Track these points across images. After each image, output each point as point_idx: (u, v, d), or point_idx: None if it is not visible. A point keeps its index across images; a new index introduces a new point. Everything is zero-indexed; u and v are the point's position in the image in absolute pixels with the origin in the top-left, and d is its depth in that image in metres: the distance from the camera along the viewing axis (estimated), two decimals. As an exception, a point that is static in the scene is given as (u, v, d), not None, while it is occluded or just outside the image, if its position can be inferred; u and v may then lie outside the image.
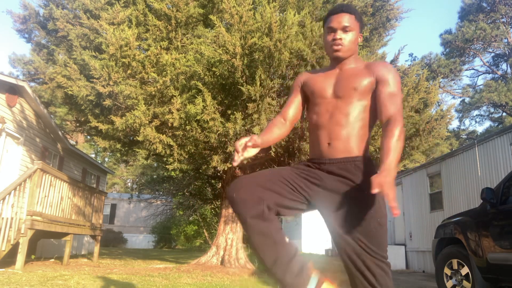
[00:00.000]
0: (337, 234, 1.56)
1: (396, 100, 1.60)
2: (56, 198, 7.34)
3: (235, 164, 1.57)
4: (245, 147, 1.58)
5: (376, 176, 1.37)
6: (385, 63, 1.70)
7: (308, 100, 1.78)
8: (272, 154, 6.78)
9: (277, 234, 1.49)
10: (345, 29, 1.67)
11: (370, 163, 1.62)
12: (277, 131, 1.76)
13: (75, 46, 6.62)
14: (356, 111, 1.62)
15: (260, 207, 1.48)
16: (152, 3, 6.37)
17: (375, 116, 1.66)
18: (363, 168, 1.58)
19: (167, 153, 6.57)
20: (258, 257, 1.51)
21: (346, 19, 1.67)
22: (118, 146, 7.75)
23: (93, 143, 22.31)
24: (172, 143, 6.45)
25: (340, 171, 1.58)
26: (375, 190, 1.32)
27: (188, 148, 6.62)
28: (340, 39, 1.67)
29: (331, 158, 1.61)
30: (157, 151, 6.58)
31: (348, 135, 1.60)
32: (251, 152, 1.61)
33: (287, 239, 1.51)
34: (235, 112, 6.19)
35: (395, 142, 1.47)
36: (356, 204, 1.53)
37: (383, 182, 1.33)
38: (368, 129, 1.65)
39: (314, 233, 19.85)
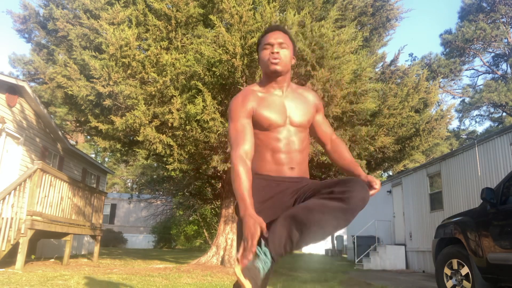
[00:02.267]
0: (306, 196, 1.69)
1: (328, 124, 1.94)
2: (56, 198, 7.34)
3: (244, 264, 1.43)
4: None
5: (364, 176, 1.71)
6: (313, 91, 1.91)
7: (255, 124, 1.74)
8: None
9: None
10: (281, 45, 1.73)
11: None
12: (248, 181, 1.62)
13: (75, 46, 6.62)
14: (306, 139, 1.82)
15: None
16: (152, 3, 6.38)
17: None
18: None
19: (167, 153, 6.57)
20: None
21: (281, 36, 1.75)
22: (118, 146, 7.75)
23: (93, 143, 22.32)
24: (172, 143, 6.45)
25: (293, 185, 1.75)
26: (377, 186, 1.64)
27: (188, 148, 6.62)
28: (278, 52, 1.72)
29: (291, 177, 1.74)
30: (157, 151, 6.58)
31: (303, 160, 1.79)
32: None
33: None
34: (235, 112, 6.18)
35: (352, 158, 1.84)
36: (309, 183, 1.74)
37: (373, 179, 1.66)
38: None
39: (314, 233, 19.75)
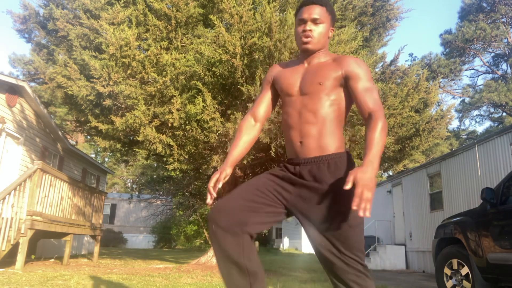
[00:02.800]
0: (312, 238, 1.55)
1: (372, 94, 1.55)
2: (56, 198, 7.34)
3: (209, 203, 1.60)
4: (216, 185, 1.62)
5: (354, 171, 1.33)
6: (355, 57, 1.64)
7: (279, 96, 1.78)
8: (272, 154, 6.78)
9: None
10: (315, 21, 1.62)
11: (345, 159, 1.57)
12: (246, 140, 1.74)
13: (75, 46, 6.62)
14: (325, 107, 1.57)
15: (240, 238, 1.50)
16: (152, 3, 6.37)
17: (347, 112, 1.64)
18: (338, 166, 1.54)
19: (167, 153, 6.57)
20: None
21: (316, 11, 1.63)
22: (118, 146, 7.75)
23: (93, 143, 22.31)
24: (172, 143, 6.45)
25: (312, 174, 1.55)
26: (347, 186, 1.29)
27: (188, 148, 6.62)
28: (310, 30, 1.62)
29: (304, 158, 1.57)
30: (157, 151, 6.58)
31: (319, 132, 1.56)
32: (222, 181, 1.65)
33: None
34: (235, 112, 6.19)
35: (378, 135, 1.43)
36: (327, 205, 1.49)
37: (360, 178, 1.29)
38: (340, 124, 1.61)
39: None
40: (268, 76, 1.79)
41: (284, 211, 1.60)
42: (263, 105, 1.79)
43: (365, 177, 1.30)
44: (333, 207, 1.48)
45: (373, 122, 1.47)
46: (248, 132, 1.76)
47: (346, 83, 1.58)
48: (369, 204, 1.27)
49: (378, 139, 1.42)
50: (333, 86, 1.58)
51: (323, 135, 1.56)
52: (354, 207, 1.27)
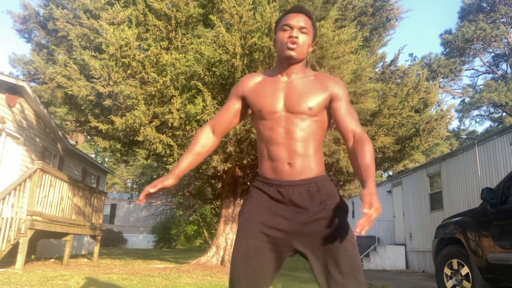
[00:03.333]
0: (314, 264, 1.46)
1: (355, 116, 1.56)
2: (56, 198, 7.35)
3: (138, 203, 1.56)
4: (151, 192, 1.53)
5: (369, 195, 1.30)
6: (336, 78, 1.62)
7: (252, 112, 1.65)
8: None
9: None
10: (301, 29, 1.56)
11: (329, 181, 1.56)
12: (199, 151, 1.65)
13: (75, 46, 6.62)
14: (311, 128, 1.53)
15: None
16: (152, 3, 6.38)
17: (325, 132, 1.62)
18: (325, 189, 1.51)
19: (167, 153, 6.57)
20: None
21: (304, 20, 1.57)
22: (118, 146, 7.75)
23: (93, 143, 22.31)
24: (172, 143, 6.45)
25: (302, 199, 1.48)
26: (366, 210, 1.26)
27: (188, 148, 6.61)
28: (297, 37, 1.54)
29: (291, 180, 1.50)
30: (157, 151, 6.58)
31: (307, 153, 1.51)
32: (165, 187, 1.56)
33: None
34: (235, 112, 6.18)
35: (371, 161, 1.41)
36: (326, 228, 1.44)
37: (374, 201, 1.28)
38: (321, 145, 1.59)
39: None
40: (239, 89, 1.65)
41: (288, 253, 1.53)
42: (227, 118, 1.67)
43: (377, 201, 1.29)
44: (330, 229, 1.43)
45: (364, 147, 1.45)
46: (203, 144, 1.66)
47: (329, 105, 1.56)
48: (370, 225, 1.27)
49: (372, 165, 1.42)
50: (321, 108, 1.55)
51: (311, 157, 1.52)
52: (359, 226, 1.24)
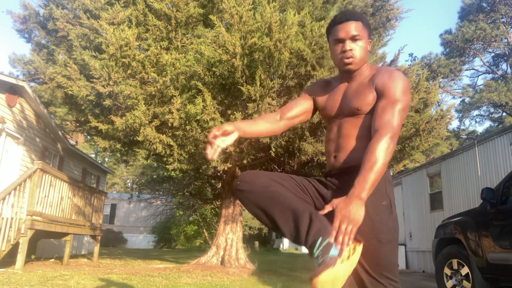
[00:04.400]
0: None
1: (390, 109, 1.47)
2: (56, 198, 7.34)
3: (209, 157, 1.47)
4: (216, 136, 1.46)
5: (338, 199, 1.31)
6: (389, 69, 1.58)
7: (314, 112, 1.80)
8: (272, 154, 6.78)
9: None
10: (354, 38, 1.54)
11: None
12: (263, 125, 1.65)
13: (75, 46, 6.62)
14: (361, 125, 1.55)
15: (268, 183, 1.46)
16: (152, 3, 6.37)
17: None
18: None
19: (167, 153, 6.57)
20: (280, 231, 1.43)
21: (353, 28, 1.54)
22: (118, 146, 7.75)
23: (93, 143, 22.30)
24: (172, 143, 6.45)
25: (342, 183, 1.50)
26: (324, 211, 1.32)
27: (188, 148, 6.62)
28: (351, 50, 1.54)
29: (336, 169, 1.57)
30: (157, 151, 6.58)
31: (353, 147, 1.54)
32: (228, 141, 1.49)
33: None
34: (235, 112, 6.19)
35: (376, 156, 1.35)
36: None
37: (340, 208, 1.26)
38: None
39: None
40: (310, 89, 1.78)
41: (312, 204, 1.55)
42: (296, 109, 1.73)
43: (346, 209, 1.25)
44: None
45: (374, 141, 1.39)
46: (270, 121, 1.68)
47: (377, 98, 1.55)
48: (347, 238, 1.22)
49: (374, 161, 1.34)
50: (370, 106, 1.54)
51: (355, 150, 1.53)
52: (331, 239, 1.23)
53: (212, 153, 1.46)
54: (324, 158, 7.16)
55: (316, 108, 1.77)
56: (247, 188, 1.45)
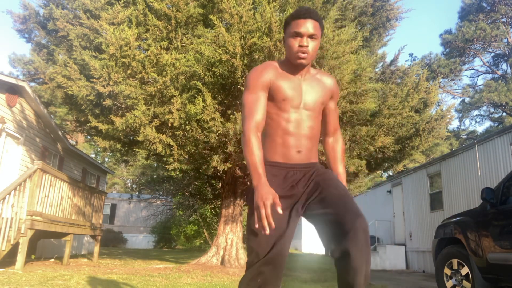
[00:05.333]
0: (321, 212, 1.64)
1: (337, 118, 1.94)
2: (56, 198, 7.34)
3: (267, 232, 1.45)
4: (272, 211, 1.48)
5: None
6: (333, 76, 1.82)
7: (269, 99, 1.72)
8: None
9: None
10: (312, 37, 1.64)
11: (322, 166, 1.85)
12: (260, 151, 1.64)
13: (75, 46, 6.62)
14: (318, 124, 1.78)
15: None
16: (152, 3, 6.37)
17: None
18: (319, 166, 1.82)
19: (167, 153, 6.57)
20: None
21: (314, 26, 1.64)
22: (118, 146, 7.75)
23: (93, 143, 22.31)
24: (172, 143, 6.45)
25: (304, 175, 1.74)
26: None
27: (188, 148, 6.62)
28: (307, 46, 1.64)
29: (299, 163, 1.73)
30: (157, 151, 6.58)
31: (312, 145, 1.76)
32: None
33: None
34: (235, 112, 6.19)
35: (343, 153, 1.93)
36: (323, 180, 1.72)
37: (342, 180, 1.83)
38: (318, 137, 1.85)
39: (314, 233, 19.80)
40: (266, 78, 1.70)
41: (296, 217, 1.70)
42: (263, 112, 1.69)
43: (342, 180, 1.86)
44: (325, 176, 1.74)
45: (340, 138, 1.93)
46: (261, 149, 1.64)
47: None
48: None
49: (341, 157, 1.93)
50: (325, 105, 1.83)
51: (313, 148, 1.78)
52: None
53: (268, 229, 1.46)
54: (324, 158, 7.17)
55: (268, 96, 1.73)
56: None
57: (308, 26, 1.63)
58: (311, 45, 1.65)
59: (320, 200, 1.63)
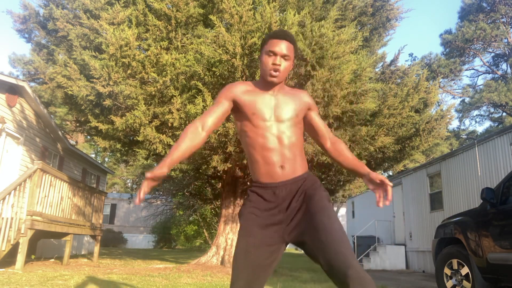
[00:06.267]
0: (309, 243, 1.63)
1: (324, 124, 1.94)
2: (56, 198, 7.34)
3: (137, 203, 1.60)
4: (146, 189, 1.59)
5: (374, 173, 1.74)
6: (306, 91, 1.88)
7: (241, 117, 1.80)
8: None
9: None
10: (284, 57, 1.74)
11: (311, 175, 1.82)
12: (189, 144, 1.72)
13: (75, 46, 6.62)
14: (297, 134, 1.78)
15: None
16: (152, 3, 6.37)
17: (303, 136, 1.88)
18: (308, 180, 1.77)
19: (167, 153, 6.57)
20: None
21: (287, 47, 1.74)
22: (118, 146, 7.75)
23: (93, 143, 22.31)
24: (172, 143, 6.45)
25: (290, 192, 1.72)
26: (388, 182, 1.66)
27: (188, 148, 6.61)
28: (279, 64, 1.73)
29: (283, 181, 1.72)
30: (157, 151, 6.58)
31: (295, 156, 1.75)
32: (157, 182, 1.64)
33: None
34: (235, 112, 6.17)
35: (354, 156, 1.86)
36: (308, 207, 1.67)
37: (378, 176, 1.70)
38: (302, 147, 1.84)
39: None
40: (229, 92, 1.80)
41: (283, 244, 1.71)
42: (215, 117, 1.78)
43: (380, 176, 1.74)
44: (314, 205, 1.67)
45: (343, 145, 1.90)
46: (193, 138, 1.73)
47: (305, 115, 1.87)
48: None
49: (353, 155, 1.88)
50: (301, 117, 1.84)
51: (296, 159, 1.76)
52: (388, 197, 1.65)
53: (142, 198, 1.58)
54: (324, 158, 7.17)
55: (231, 110, 1.82)
56: None
57: (282, 46, 1.73)
58: (283, 65, 1.74)
59: (310, 229, 1.62)
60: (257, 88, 1.81)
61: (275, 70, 1.72)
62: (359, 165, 1.81)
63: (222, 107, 1.79)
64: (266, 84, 1.80)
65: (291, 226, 1.68)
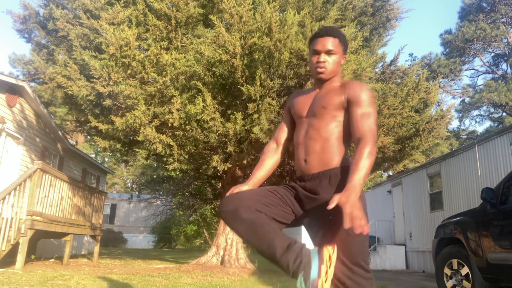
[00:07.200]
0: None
1: (368, 120, 1.65)
2: (56, 198, 7.34)
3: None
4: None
5: (339, 194, 1.44)
6: (359, 83, 1.75)
7: (294, 117, 1.91)
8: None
9: (270, 224, 1.60)
10: (329, 52, 1.76)
11: (345, 172, 1.62)
12: (270, 163, 1.89)
13: (75, 46, 6.62)
14: (328, 127, 1.70)
15: (252, 210, 1.59)
16: (152, 3, 6.37)
17: (350, 132, 1.71)
18: (338, 178, 1.65)
19: (167, 153, 6.57)
20: (257, 249, 1.59)
21: (330, 43, 1.76)
22: (118, 146, 7.75)
23: (93, 143, 22.31)
24: (172, 143, 6.45)
25: (315, 189, 1.67)
26: (331, 206, 1.40)
27: (188, 148, 6.62)
28: (324, 61, 1.76)
29: (308, 174, 1.71)
30: (157, 151, 6.58)
31: (322, 149, 1.69)
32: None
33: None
34: (235, 112, 6.19)
35: (364, 160, 1.53)
36: (327, 216, 1.57)
37: (345, 201, 1.40)
38: (343, 143, 1.71)
39: (314, 233, 19.81)
40: (287, 103, 1.94)
41: (293, 216, 1.71)
42: (284, 130, 1.94)
43: (349, 200, 1.41)
44: (332, 216, 1.54)
45: (361, 146, 1.58)
46: (271, 155, 1.91)
47: (348, 107, 1.70)
48: (363, 221, 1.36)
49: (364, 163, 1.52)
50: (337, 109, 1.71)
51: (325, 152, 1.69)
52: (346, 226, 1.35)
53: None
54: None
55: (293, 119, 1.92)
56: (231, 218, 1.61)
57: (324, 43, 1.76)
58: (330, 60, 1.76)
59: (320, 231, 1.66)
60: (310, 90, 1.89)
61: (320, 67, 1.76)
62: (350, 175, 1.52)
63: (285, 119, 1.96)
64: (317, 82, 1.85)
65: (302, 217, 1.74)
